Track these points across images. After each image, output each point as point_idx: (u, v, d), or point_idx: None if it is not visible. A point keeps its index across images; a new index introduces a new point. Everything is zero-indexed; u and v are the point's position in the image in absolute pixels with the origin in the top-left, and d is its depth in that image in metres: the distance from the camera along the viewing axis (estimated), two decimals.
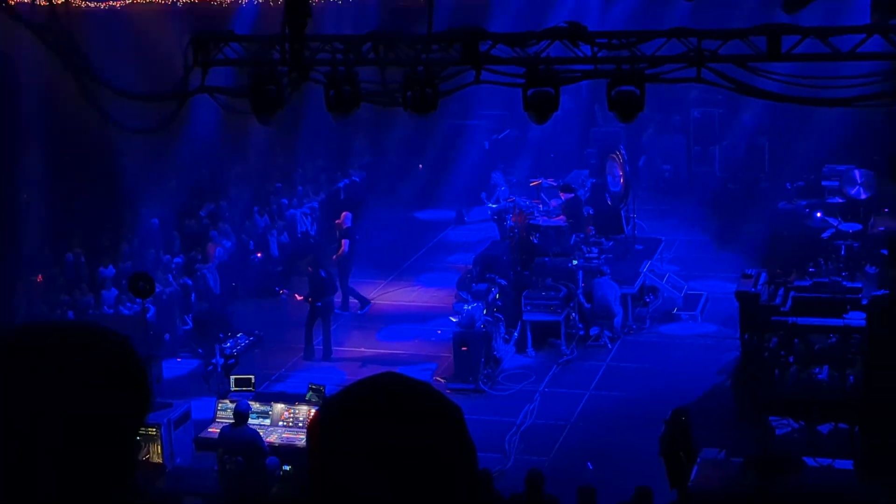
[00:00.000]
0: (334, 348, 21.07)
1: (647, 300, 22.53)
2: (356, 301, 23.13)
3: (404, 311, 23.21)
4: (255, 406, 16.09)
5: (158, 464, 15.77)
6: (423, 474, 1.84)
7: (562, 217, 24.35)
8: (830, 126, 25.03)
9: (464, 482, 1.90)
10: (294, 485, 14.59)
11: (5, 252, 22.98)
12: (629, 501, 13.11)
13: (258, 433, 15.59)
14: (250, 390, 16.85)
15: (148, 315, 18.38)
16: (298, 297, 21.60)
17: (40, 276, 22.29)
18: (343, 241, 23.14)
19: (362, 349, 21.33)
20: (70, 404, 1.86)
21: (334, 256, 23.06)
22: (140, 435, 15.68)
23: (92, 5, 25.71)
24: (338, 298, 22.14)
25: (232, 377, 17.67)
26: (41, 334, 1.98)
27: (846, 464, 14.90)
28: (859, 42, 13.91)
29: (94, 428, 1.88)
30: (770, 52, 13.90)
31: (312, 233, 26.90)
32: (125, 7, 27.29)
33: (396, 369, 18.40)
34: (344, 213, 24.09)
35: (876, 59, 14.25)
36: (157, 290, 19.07)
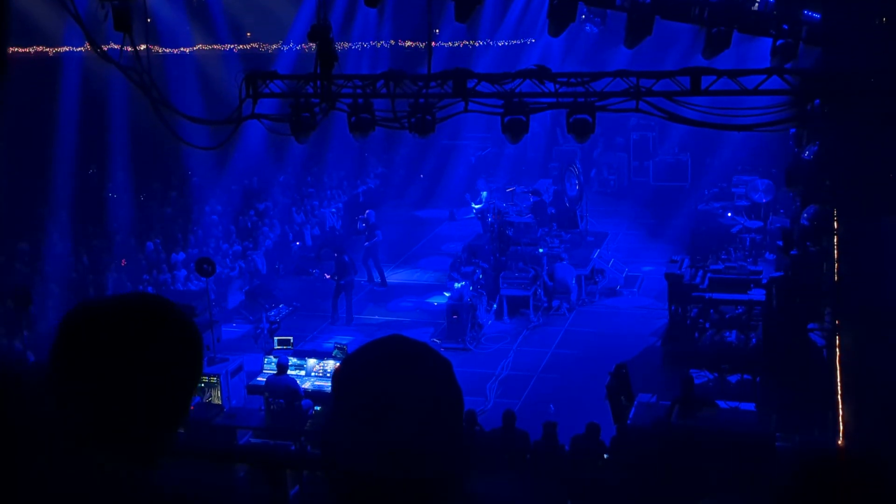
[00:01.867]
0: (354, 316, 21.08)
1: (597, 280, 22.57)
2: (378, 278, 23.20)
3: (408, 287, 23.23)
4: (293, 360, 16.11)
5: (218, 404, 15.80)
6: (421, 410, 1.85)
7: (530, 215, 24.35)
8: (738, 145, 25.17)
9: (452, 417, 1.92)
10: (322, 421, 14.62)
11: (99, 241, 22.97)
12: (582, 434, 13.13)
13: (295, 381, 15.61)
14: (289, 348, 16.89)
15: (210, 290, 18.39)
16: (327, 276, 21.57)
17: (124, 261, 22.23)
18: (376, 231, 23.23)
19: (376, 316, 21.37)
20: (154, 354, 1.86)
21: (367, 243, 23.11)
22: (204, 382, 15.82)
23: (167, 50, 25.64)
24: (358, 277, 22.14)
25: (275, 338, 17.72)
26: (134, 303, 1.98)
27: (749, 405, 14.98)
28: (761, 81, 13.93)
29: (171, 372, 1.89)
30: (692, 88, 13.92)
31: (338, 227, 26.90)
32: (193, 52, 27.26)
33: (402, 332, 18.54)
34: (367, 211, 24.11)
35: (774, 94, 14.27)
36: (217, 271, 19.09)
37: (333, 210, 27.37)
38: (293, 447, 13.63)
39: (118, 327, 1.86)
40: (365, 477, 1.82)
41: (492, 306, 21.02)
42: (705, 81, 13.88)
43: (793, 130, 17.37)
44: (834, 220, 17.15)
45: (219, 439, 14.20)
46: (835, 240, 16.80)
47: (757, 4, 15.78)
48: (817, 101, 14.49)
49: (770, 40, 14.98)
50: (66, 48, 25.49)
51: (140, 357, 1.84)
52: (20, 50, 25.64)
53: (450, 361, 1.97)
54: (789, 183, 17.68)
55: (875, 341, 14.14)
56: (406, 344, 1.97)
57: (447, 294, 20.77)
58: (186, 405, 1.95)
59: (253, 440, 14.61)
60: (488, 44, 29.77)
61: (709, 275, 19.41)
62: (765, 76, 13.93)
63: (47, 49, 26.06)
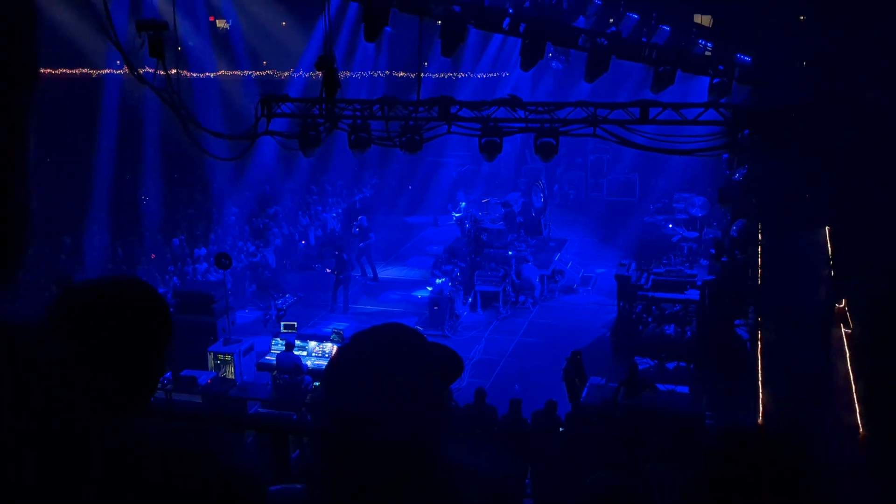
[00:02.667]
0: (350, 305, 21.02)
1: (557, 279, 22.57)
2: (371, 274, 23.14)
3: (397, 282, 23.19)
4: (297, 342, 16.05)
5: (232, 379, 15.71)
6: (404, 385, 1.85)
7: (501, 223, 24.35)
8: (679, 167, 25.24)
9: (430, 390, 1.92)
10: (326, 392, 14.58)
11: (132, 237, 22.83)
12: (542, 410, 13.15)
13: (299, 359, 15.57)
14: (294, 332, 16.82)
15: (227, 281, 18.29)
16: (328, 271, 21.53)
17: (153, 255, 22.11)
18: (369, 234, 23.17)
19: (368, 307, 21.28)
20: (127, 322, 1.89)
21: (361, 244, 23.04)
22: (220, 361, 15.69)
23: (194, 74, 25.51)
24: (354, 272, 22.10)
25: (282, 323, 17.64)
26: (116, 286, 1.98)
27: (684, 388, 15.00)
28: (700, 113, 14.00)
29: (144, 340, 1.92)
30: (641, 118, 13.98)
31: (337, 229, 26.77)
32: (217, 77, 27.15)
33: (390, 321, 18.53)
34: (360, 217, 24.05)
35: (710, 124, 14.35)
36: (233, 264, 19.00)
37: (334, 214, 27.26)
38: (295, 417, 13.55)
39: (99, 302, 1.88)
40: (357, 444, 1.81)
41: (467, 300, 21.00)
42: (653, 112, 13.95)
43: (725, 156, 17.47)
44: (758, 233, 17.25)
45: (232, 409, 14.13)
46: (758, 249, 16.91)
47: (697, 48, 15.87)
48: (746, 131, 14.55)
49: (708, 79, 15.07)
50: (107, 70, 25.33)
51: (118, 324, 1.87)
52: (68, 71, 25.47)
53: (439, 343, 2.01)
54: (721, 200, 17.78)
55: (790, 336, 14.23)
56: (397, 328, 1.98)
57: (429, 288, 20.76)
58: (158, 368, 1.96)
59: (261, 410, 14.54)
60: (469, 76, 29.80)
61: (652, 277, 19.50)
62: (703, 109, 14.01)
63: (92, 71, 25.88)
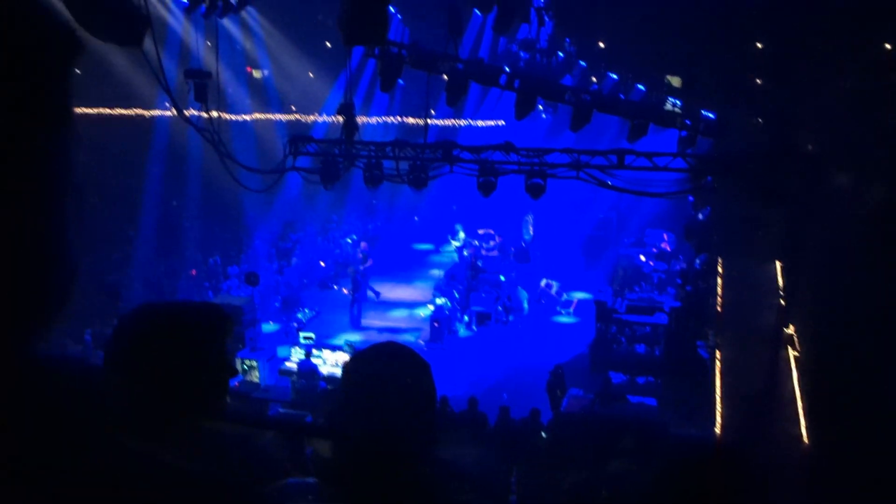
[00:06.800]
0: (362, 321, 20.95)
1: (543, 302, 22.55)
2: (373, 292, 23.05)
3: (403, 301, 23.09)
4: (314, 352, 16.00)
5: (256, 383, 15.67)
6: (405, 396, 1.86)
7: (495, 251, 24.38)
8: (651, 207, 25.19)
9: (427, 402, 1.93)
10: (333, 398, 14.54)
11: (175, 255, 22.87)
12: (527, 417, 13.10)
13: (316, 366, 15.51)
14: (312, 342, 16.77)
15: (255, 297, 18.29)
16: (345, 291, 21.49)
17: (194, 271, 22.12)
18: (368, 258, 23.08)
19: (377, 322, 21.16)
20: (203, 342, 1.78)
21: (361, 266, 22.99)
22: (247, 366, 15.61)
23: (232, 117, 25.65)
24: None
25: (301, 334, 17.59)
26: (187, 309, 1.87)
27: (652, 400, 14.94)
28: (669, 161, 14.06)
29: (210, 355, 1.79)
30: (619, 164, 14.04)
31: (352, 253, 26.76)
32: (252, 120, 27.32)
33: (397, 335, 18.24)
34: (363, 244, 23.90)
35: (678, 171, 14.40)
36: (261, 282, 18.99)
37: (349, 240, 27.27)
38: (310, 418, 13.49)
39: (167, 329, 1.75)
40: (362, 443, 1.82)
41: (464, 318, 20.96)
42: (628, 159, 14.01)
43: (691, 198, 17.52)
44: (718, 266, 17.26)
45: (255, 409, 14.07)
46: (718, 280, 16.91)
47: (668, 104, 15.96)
48: (710, 177, 14.62)
49: (677, 131, 15.15)
50: (157, 112, 25.48)
51: (185, 354, 1.73)
52: (123, 111, 25.60)
53: (428, 363, 1.98)
54: (687, 236, 17.84)
55: (745, 356, 14.20)
56: (397, 348, 1.99)
57: (431, 307, 20.68)
58: (220, 398, 1.82)
59: (281, 410, 14.48)
60: (470, 123, 29.91)
61: (626, 302, 19.45)
62: (672, 157, 14.07)
63: (144, 111, 26.04)
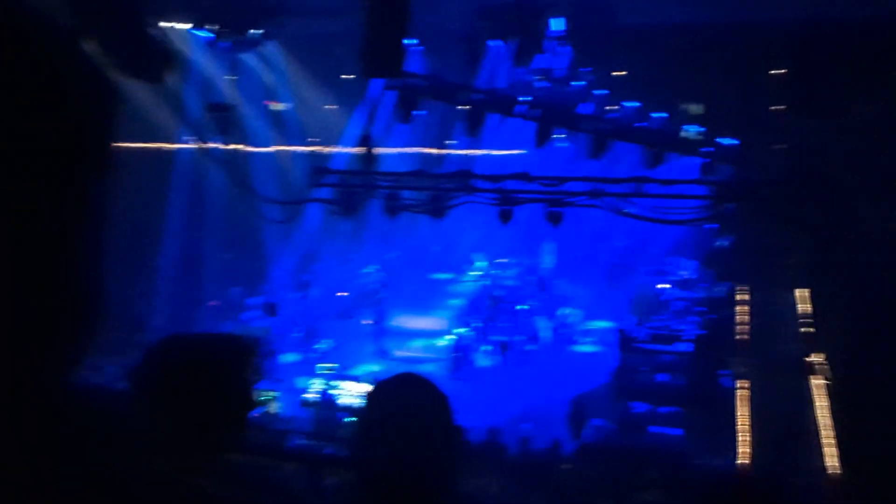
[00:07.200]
0: (383, 350, 20.80)
1: (563, 331, 22.40)
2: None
3: (423, 331, 22.92)
4: (334, 383, 15.98)
5: (276, 414, 15.65)
6: (425, 428, 1.84)
7: (515, 280, 24.33)
8: (672, 235, 25.02)
9: (446, 433, 1.91)
10: (353, 429, 14.47)
11: (195, 287, 23.02)
12: (549, 448, 12.96)
13: (335, 397, 15.50)
14: (332, 373, 16.75)
15: (274, 327, 18.34)
16: (363, 322, 21.53)
17: (214, 302, 22.24)
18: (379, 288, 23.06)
19: (398, 352, 20.99)
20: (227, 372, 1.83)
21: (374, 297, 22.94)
22: (266, 397, 15.61)
23: (252, 149, 25.88)
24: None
25: (321, 365, 17.59)
26: (209, 340, 1.94)
27: (675, 431, 14.75)
28: (690, 188, 14.00)
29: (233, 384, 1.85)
30: (638, 191, 13.99)
31: (373, 283, 26.70)
32: (273, 152, 27.58)
33: (417, 365, 18.19)
34: (377, 272, 23.75)
35: (699, 198, 14.35)
36: (281, 313, 19.02)
37: (370, 270, 27.28)
38: (330, 450, 13.42)
39: (193, 360, 1.79)
40: (382, 475, 1.81)
41: (484, 348, 20.85)
42: (648, 187, 13.96)
43: (711, 226, 17.41)
44: (741, 293, 17.10)
45: (274, 441, 14.02)
46: (742, 308, 16.75)
47: (689, 132, 15.94)
48: (731, 204, 14.54)
49: (697, 158, 15.11)
50: (179, 145, 25.83)
51: (211, 384, 1.77)
52: (147, 145, 25.97)
53: (447, 394, 1.96)
54: (708, 264, 17.70)
55: (770, 386, 14.00)
56: (417, 379, 1.99)
57: (450, 337, 20.59)
58: (240, 429, 1.84)
59: (300, 442, 14.42)
60: (488, 152, 29.99)
61: (647, 331, 19.28)
62: (692, 184, 14.01)
63: (166, 145, 26.41)
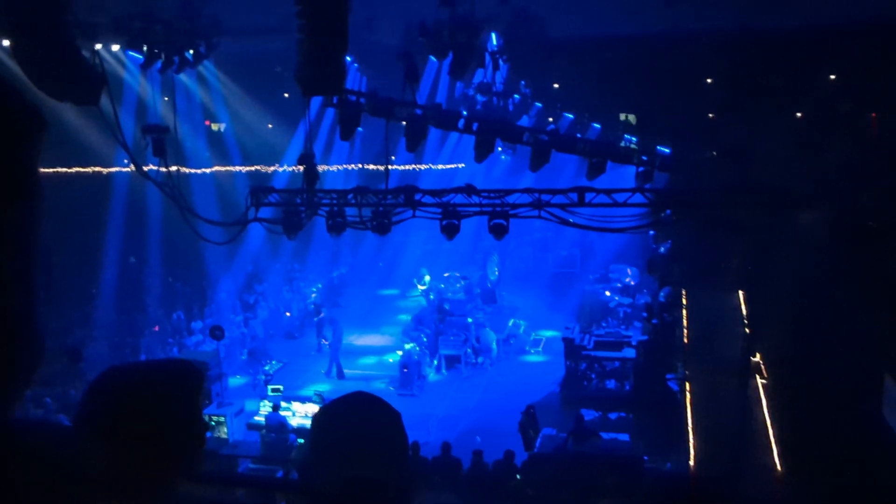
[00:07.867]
0: (335, 369, 20.57)
1: (511, 342, 22.50)
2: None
3: (371, 348, 22.83)
4: (283, 404, 15.71)
5: (224, 438, 15.33)
6: (376, 447, 1.83)
7: (462, 294, 24.36)
8: (613, 243, 25.43)
9: (400, 452, 1.89)
10: (304, 451, 14.26)
11: (137, 313, 22.45)
12: (501, 459, 12.96)
13: (285, 419, 15.23)
14: (280, 394, 16.46)
15: (220, 350, 17.97)
16: (324, 342, 21.27)
17: (157, 327, 21.72)
18: (322, 309, 22.73)
19: (347, 370, 20.77)
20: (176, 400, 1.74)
21: (316, 318, 22.63)
22: (214, 422, 15.26)
23: (192, 170, 25.47)
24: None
25: (269, 386, 17.29)
26: (154, 367, 1.85)
27: (625, 436, 14.90)
28: (628, 197, 14.24)
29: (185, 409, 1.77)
30: (579, 201, 14.18)
31: (318, 303, 26.49)
32: (213, 172, 27.20)
33: (367, 383, 17.97)
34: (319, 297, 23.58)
35: (637, 206, 14.58)
36: (226, 335, 18.65)
37: (315, 290, 27.04)
38: (281, 473, 13.18)
39: (138, 390, 1.70)
40: (334, 496, 1.78)
41: (433, 362, 20.82)
42: (588, 196, 14.16)
43: (652, 232, 17.74)
44: (682, 298, 17.43)
45: (224, 466, 13.73)
46: (684, 312, 17.07)
47: (624, 141, 16.24)
48: (668, 211, 14.83)
49: (634, 167, 15.38)
50: (116, 168, 25.24)
51: (157, 418, 1.68)
52: (81, 169, 25.29)
53: (398, 411, 1.94)
54: (650, 270, 18.00)
55: (714, 386, 14.28)
56: (367, 397, 1.96)
57: (399, 353, 20.49)
58: (194, 456, 1.76)
59: (251, 466, 14.15)
60: (430, 167, 30.12)
61: (593, 338, 19.49)
62: (630, 193, 14.25)
63: (101, 168, 25.77)
